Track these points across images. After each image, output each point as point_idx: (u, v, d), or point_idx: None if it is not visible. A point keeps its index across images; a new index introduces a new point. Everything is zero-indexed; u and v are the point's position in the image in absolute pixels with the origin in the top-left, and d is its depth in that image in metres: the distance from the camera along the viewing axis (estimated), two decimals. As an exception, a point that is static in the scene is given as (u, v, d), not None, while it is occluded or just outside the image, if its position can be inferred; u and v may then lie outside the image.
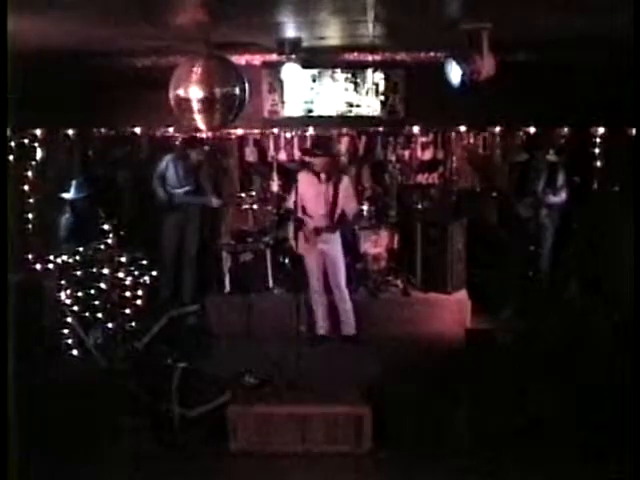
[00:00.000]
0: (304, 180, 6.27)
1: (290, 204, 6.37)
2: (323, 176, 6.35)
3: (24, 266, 6.28)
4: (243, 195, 7.61)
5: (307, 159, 6.64)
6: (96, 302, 6.37)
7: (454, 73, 5.59)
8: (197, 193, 7.31)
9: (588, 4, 4.42)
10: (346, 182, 6.45)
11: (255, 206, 7.48)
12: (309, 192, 6.32)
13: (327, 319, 6.66)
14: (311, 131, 7.73)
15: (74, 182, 6.93)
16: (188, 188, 7.27)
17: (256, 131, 7.80)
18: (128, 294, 6.55)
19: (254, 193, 7.66)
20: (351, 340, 6.56)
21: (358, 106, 7.75)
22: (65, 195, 6.89)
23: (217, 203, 7.35)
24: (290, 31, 5.83)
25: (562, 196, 7.05)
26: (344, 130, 7.78)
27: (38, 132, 7.57)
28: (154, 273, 6.93)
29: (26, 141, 7.47)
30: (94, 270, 6.41)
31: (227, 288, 7.11)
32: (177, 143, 7.64)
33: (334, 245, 6.49)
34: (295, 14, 5.15)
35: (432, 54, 7.22)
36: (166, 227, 7.40)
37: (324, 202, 6.35)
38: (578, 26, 5.26)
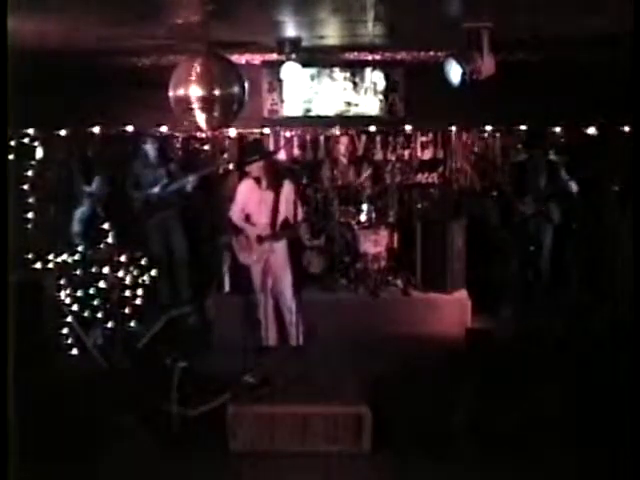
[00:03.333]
0: (247, 187, 6.07)
1: (230, 213, 6.15)
2: (264, 183, 5.98)
3: (24, 266, 6.28)
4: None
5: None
6: (96, 302, 6.37)
7: (454, 72, 5.59)
8: (171, 182, 7.26)
9: (588, 4, 4.43)
10: (287, 188, 6.01)
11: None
12: (252, 200, 6.04)
13: (273, 330, 6.31)
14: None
15: (97, 177, 7.27)
16: (164, 182, 7.25)
17: (256, 130, 7.81)
18: (128, 294, 6.56)
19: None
20: (299, 351, 6.12)
21: (357, 105, 7.75)
22: (87, 188, 7.19)
23: (193, 180, 7.19)
24: (290, 30, 5.84)
25: (562, 195, 7.04)
26: (342, 129, 7.77)
27: (38, 131, 7.57)
28: (153, 273, 6.94)
29: (26, 140, 7.48)
30: (94, 270, 6.42)
31: (227, 288, 7.10)
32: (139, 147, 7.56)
33: (279, 254, 6.06)
34: (295, 14, 5.16)
35: (432, 53, 7.24)
36: (150, 229, 7.37)
37: (266, 210, 5.98)
38: (578, 25, 5.27)
